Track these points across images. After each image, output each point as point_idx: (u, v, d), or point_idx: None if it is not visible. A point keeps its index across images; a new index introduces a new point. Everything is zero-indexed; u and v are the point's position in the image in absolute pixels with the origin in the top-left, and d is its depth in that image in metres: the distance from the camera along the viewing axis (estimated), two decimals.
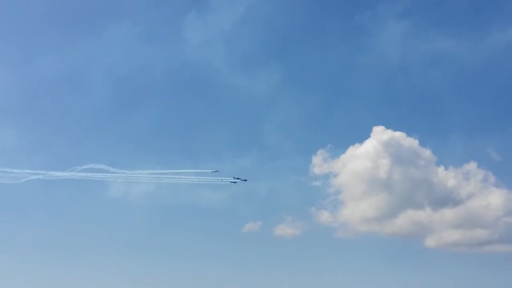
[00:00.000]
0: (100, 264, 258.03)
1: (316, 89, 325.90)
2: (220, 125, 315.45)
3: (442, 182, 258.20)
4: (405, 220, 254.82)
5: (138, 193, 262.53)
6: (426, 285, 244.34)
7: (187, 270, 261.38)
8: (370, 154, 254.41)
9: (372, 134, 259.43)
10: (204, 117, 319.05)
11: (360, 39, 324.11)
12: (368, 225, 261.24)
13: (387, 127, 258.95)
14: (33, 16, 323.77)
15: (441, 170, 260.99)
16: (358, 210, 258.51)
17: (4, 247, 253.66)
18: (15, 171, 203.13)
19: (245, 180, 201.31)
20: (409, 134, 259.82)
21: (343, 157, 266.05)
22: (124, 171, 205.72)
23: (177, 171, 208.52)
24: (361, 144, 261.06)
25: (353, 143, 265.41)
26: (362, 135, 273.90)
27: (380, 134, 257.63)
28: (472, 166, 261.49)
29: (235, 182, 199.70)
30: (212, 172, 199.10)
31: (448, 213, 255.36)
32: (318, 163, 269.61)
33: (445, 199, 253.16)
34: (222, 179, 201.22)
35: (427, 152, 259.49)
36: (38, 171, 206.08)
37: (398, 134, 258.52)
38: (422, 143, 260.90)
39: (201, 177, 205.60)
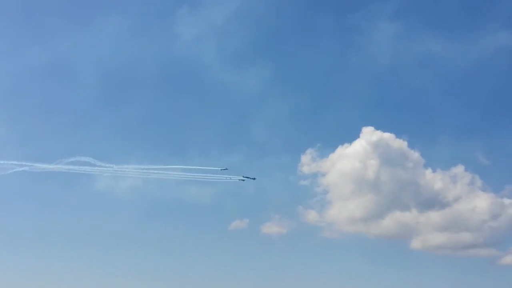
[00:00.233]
0: (85, 258, 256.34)
1: (306, 88, 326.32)
2: (208, 121, 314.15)
3: (429, 185, 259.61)
4: (391, 221, 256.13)
5: (125, 188, 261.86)
6: (411, 287, 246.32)
7: (173, 267, 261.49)
8: (359, 154, 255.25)
9: (361, 135, 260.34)
10: (192, 113, 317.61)
11: (351, 39, 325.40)
12: (354, 225, 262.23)
13: (377, 128, 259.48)
14: (21, 5, 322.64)
15: (428, 172, 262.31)
16: (345, 210, 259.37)
17: None
18: (1, 162, 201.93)
19: (254, 179, 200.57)
20: (398, 135, 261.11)
21: (332, 156, 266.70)
22: (111, 165, 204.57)
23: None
24: (350, 144, 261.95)
25: (342, 143, 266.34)
26: (352, 135, 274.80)
27: (369, 135, 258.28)
28: (459, 169, 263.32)
29: (243, 180, 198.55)
30: (221, 170, 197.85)
31: (434, 216, 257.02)
32: (307, 162, 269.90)
33: (432, 202, 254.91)
34: (230, 178, 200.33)
35: (415, 154, 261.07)
36: (24, 163, 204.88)
37: (387, 135, 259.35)
38: (411, 145, 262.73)
39: (208, 175, 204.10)
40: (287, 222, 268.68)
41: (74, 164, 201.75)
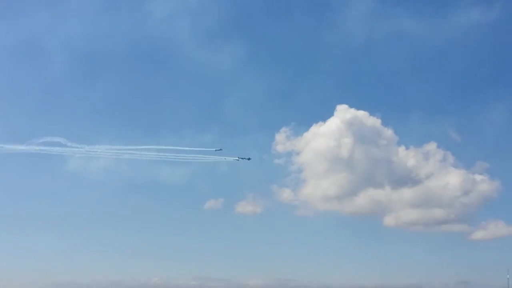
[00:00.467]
0: (58, 240, 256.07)
1: (280, 66, 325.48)
2: (182, 100, 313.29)
3: (402, 162, 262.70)
4: (365, 199, 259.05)
5: (97, 168, 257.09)
6: (384, 263, 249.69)
7: (148, 247, 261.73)
8: (333, 132, 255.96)
9: (335, 113, 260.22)
10: (165, 92, 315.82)
11: (325, 17, 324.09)
12: (329, 203, 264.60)
13: (351, 106, 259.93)
14: None
15: (402, 149, 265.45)
16: (319, 188, 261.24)
17: None
18: None
19: (249, 159, 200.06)
20: (372, 113, 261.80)
21: (306, 135, 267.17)
22: (83, 146, 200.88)
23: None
24: (325, 123, 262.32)
25: (316, 121, 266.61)
26: (326, 113, 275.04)
27: (343, 113, 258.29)
28: (432, 146, 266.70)
29: (238, 160, 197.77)
30: (215, 150, 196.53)
31: (407, 193, 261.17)
32: (281, 140, 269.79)
33: (405, 179, 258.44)
34: (225, 158, 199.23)
35: (389, 132, 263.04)
36: None
37: (361, 113, 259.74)
38: (385, 123, 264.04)
39: (202, 156, 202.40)
40: (261, 201, 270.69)
41: (45, 145, 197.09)
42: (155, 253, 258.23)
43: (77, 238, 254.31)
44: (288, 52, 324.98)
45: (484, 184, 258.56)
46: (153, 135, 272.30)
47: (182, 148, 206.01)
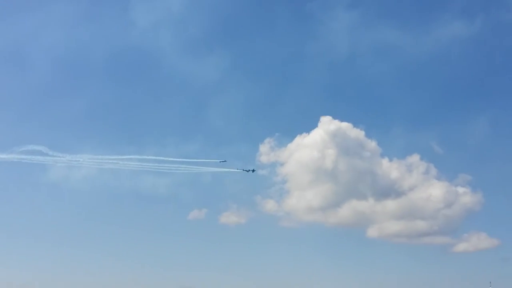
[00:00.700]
0: (38, 249, 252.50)
1: (264, 77, 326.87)
2: (165, 110, 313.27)
3: (385, 174, 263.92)
4: (348, 210, 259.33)
5: (79, 178, 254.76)
6: (367, 274, 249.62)
7: (131, 258, 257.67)
8: (317, 143, 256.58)
9: (319, 124, 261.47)
10: (148, 102, 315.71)
11: (309, 28, 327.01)
12: (312, 214, 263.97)
13: (334, 117, 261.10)
14: None
15: (385, 161, 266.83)
16: (303, 199, 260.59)
17: None
18: None
19: (253, 171, 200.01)
20: (355, 125, 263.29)
21: (290, 146, 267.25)
22: (65, 155, 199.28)
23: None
24: (309, 134, 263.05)
25: (300, 132, 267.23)
26: (310, 125, 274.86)
27: (327, 124, 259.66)
28: (415, 158, 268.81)
29: (246, 171, 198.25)
30: (220, 162, 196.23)
31: (390, 204, 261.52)
32: (265, 151, 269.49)
33: (388, 191, 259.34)
34: (230, 170, 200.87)
35: (372, 144, 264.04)
36: None
37: (345, 124, 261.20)
38: (368, 134, 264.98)
39: (207, 167, 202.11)
40: (245, 212, 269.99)
41: (27, 153, 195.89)
42: (138, 263, 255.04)
43: (58, 248, 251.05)
44: (273, 63, 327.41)
45: (466, 197, 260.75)
46: (136, 144, 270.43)
47: (165, 158, 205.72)
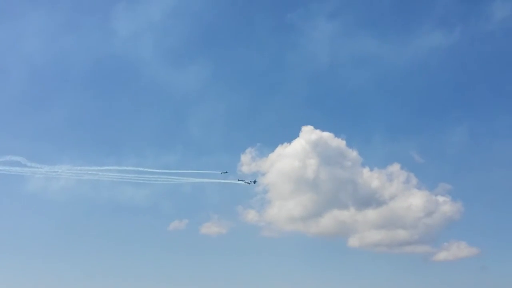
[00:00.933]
0: (16, 262, 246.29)
1: (245, 87, 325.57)
2: (144, 120, 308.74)
3: (366, 183, 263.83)
4: (330, 220, 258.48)
5: (58, 189, 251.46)
6: (349, 284, 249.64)
7: (110, 268, 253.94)
8: (298, 153, 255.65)
9: (301, 134, 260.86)
10: (128, 111, 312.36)
11: (290, 38, 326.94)
12: (294, 224, 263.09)
13: (316, 127, 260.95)
14: None
15: (366, 171, 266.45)
16: (284, 209, 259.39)
17: None
18: None
19: (255, 182, 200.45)
20: (337, 134, 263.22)
21: (272, 156, 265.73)
22: (43, 166, 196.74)
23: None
24: (290, 144, 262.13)
25: (282, 142, 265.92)
26: (291, 135, 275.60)
27: (308, 134, 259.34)
28: (395, 167, 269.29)
29: (249, 183, 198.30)
30: (221, 173, 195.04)
31: (371, 214, 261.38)
32: (247, 161, 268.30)
33: (369, 200, 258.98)
34: (231, 182, 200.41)
35: (353, 153, 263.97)
36: None
37: (326, 134, 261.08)
38: (349, 144, 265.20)
39: (208, 179, 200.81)
40: (226, 222, 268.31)
41: (4, 164, 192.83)
42: (118, 274, 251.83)
43: (35, 260, 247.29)
44: (253, 72, 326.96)
45: (446, 206, 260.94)
46: (116, 155, 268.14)
47: (145, 169, 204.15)
